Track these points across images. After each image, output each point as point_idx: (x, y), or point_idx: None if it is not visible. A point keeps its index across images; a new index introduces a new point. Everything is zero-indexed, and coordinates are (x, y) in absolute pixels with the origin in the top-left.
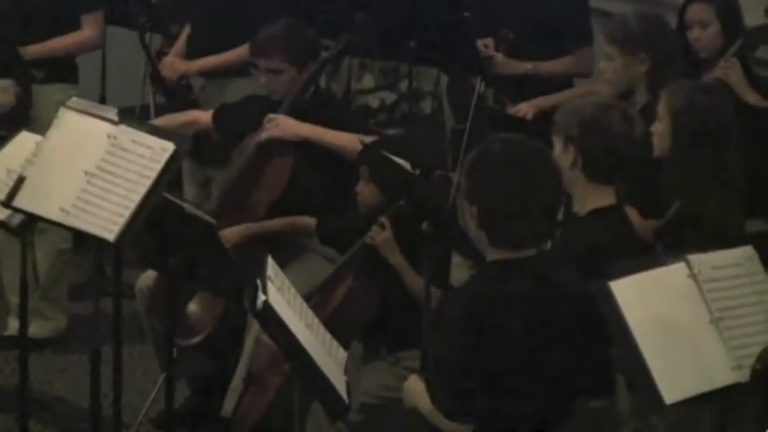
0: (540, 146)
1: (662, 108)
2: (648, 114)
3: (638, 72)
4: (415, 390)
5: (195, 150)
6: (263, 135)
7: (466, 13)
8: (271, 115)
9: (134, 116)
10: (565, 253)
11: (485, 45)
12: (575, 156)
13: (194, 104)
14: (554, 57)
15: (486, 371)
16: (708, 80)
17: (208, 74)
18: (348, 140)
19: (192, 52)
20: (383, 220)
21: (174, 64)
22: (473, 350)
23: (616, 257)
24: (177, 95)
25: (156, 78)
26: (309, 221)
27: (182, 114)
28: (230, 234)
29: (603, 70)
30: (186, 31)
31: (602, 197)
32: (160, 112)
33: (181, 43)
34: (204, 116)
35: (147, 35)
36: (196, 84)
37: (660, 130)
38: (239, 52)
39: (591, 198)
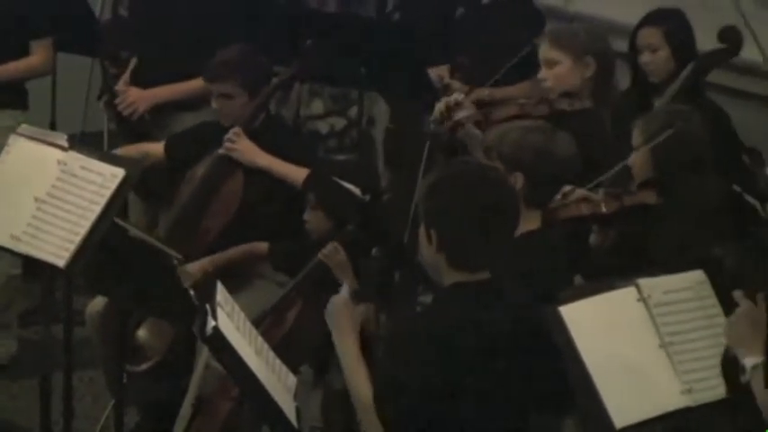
0: (496, 168)
1: (637, 139)
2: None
3: (584, 77)
4: (346, 329)
5: (142, 189)
6: (222, 150)
7: (417, 40)
8: (237, 129)
9: (84, 142)
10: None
11: (439, 75)
12: (520, 181)
13: (147, 135)
14: (513, 82)
15: (445, 392)
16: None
17: (154, 108)
18: (304, 175)
19: (138, 83)
20: (335, 244)
21: (132, 104)
22: (432, 372)
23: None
24: (131, 124)
25: (112, 105)
26: (265, 247)
27: (132, 147)
28: (194, 268)
29: (542, 78)
30: (133, 62)
31: (534, 221)
32: (112, 139)
33: (126, 75)
34: (155, 147)
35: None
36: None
37: (639, 161)
38: (194, 84)
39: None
